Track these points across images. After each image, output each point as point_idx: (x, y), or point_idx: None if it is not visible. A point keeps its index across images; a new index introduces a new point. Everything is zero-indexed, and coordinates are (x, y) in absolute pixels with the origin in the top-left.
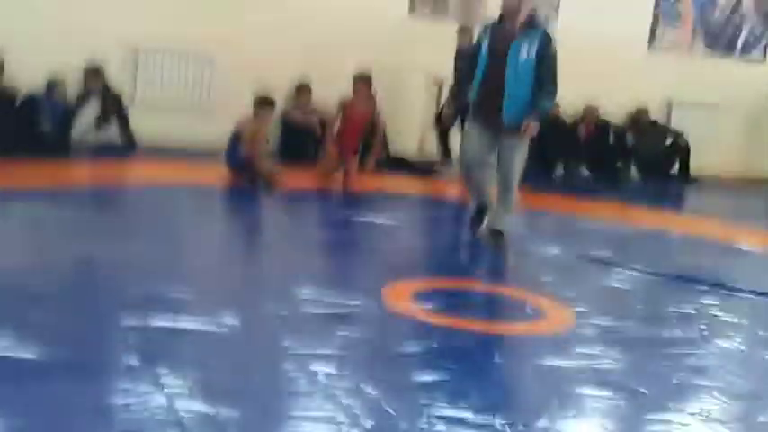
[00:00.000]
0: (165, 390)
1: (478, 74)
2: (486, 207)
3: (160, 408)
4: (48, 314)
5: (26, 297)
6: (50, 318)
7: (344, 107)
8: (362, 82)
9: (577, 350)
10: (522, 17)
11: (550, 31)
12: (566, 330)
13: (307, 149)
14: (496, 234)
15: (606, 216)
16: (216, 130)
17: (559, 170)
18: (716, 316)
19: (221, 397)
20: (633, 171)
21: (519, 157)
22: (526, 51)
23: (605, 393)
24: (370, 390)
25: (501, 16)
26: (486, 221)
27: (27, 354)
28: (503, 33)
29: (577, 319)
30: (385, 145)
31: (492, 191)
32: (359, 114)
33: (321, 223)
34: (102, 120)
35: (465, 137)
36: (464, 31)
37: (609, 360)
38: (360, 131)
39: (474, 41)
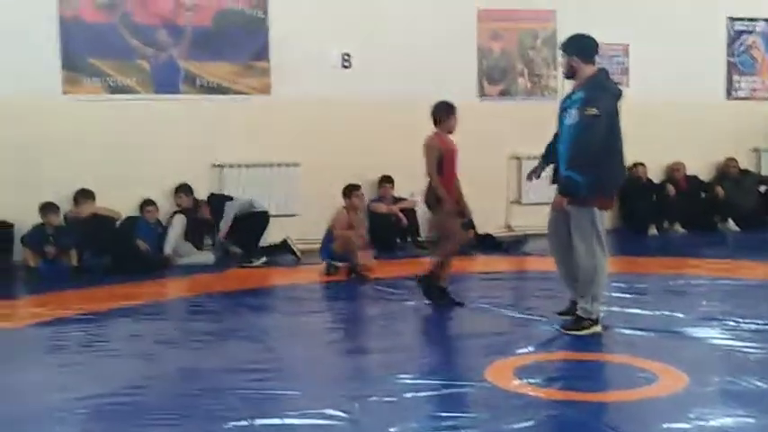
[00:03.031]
0: None
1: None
2: (570, 309)
3: None
4: (159, 425)
5: (137, 409)
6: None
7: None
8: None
9: (695, 411)
10: (581, 78)
11: (600, 88)
12: (681, 392)
13: (393, 238)
14: (577, 320)
15: (709, 273)
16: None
17: (653, 231)
18: None
19: None
20: (730, 223)
21: (576, 228)
22: (570, 115)
23: None
24: None
25: None
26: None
27: None
28: (565, 99)
29: (691, 379)
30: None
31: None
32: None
33: (413, 310)
34: (196, 235)
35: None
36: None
37: (728, 417)
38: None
39: None
